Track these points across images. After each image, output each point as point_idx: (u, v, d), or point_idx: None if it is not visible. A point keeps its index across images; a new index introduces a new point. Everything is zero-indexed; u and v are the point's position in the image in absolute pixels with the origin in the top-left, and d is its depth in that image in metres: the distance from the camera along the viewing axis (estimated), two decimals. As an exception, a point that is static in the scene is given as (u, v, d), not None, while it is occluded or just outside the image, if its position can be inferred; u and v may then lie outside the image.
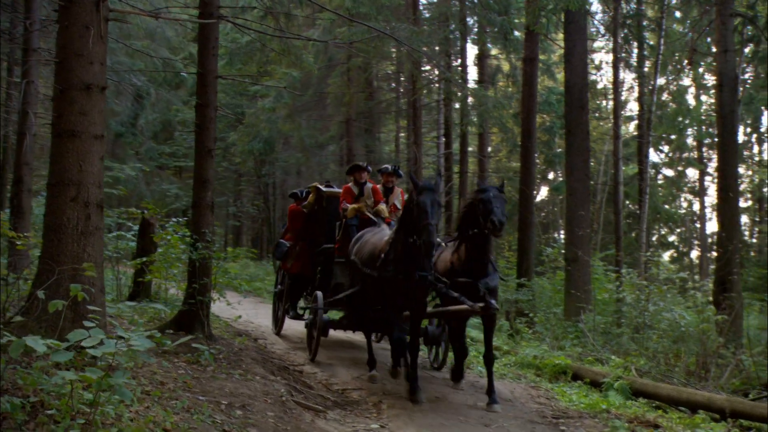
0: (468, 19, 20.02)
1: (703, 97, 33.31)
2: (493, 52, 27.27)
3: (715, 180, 35.12)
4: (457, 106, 24.99)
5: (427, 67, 24.60)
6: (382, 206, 10.28)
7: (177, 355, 7.43)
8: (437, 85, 23.99)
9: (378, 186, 10.64)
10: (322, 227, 11.45)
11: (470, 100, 17.87)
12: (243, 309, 13.11)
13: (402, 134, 35.48)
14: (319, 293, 10.27)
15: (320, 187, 11.75)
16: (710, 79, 32.38)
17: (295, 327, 12.99)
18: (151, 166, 29.65)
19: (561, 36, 25.41)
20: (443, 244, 8.84)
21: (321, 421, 6.73)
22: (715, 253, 32.60)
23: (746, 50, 24.22)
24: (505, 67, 31.51)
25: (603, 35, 27.13)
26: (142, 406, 5.16)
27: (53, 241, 6.09)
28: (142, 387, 5.56)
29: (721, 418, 8.38)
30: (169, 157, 32.76)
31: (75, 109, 6.19)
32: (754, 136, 34.63)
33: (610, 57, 30.69)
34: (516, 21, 12.74)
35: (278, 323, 12.80)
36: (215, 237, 9.63)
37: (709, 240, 34.61)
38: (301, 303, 12.40)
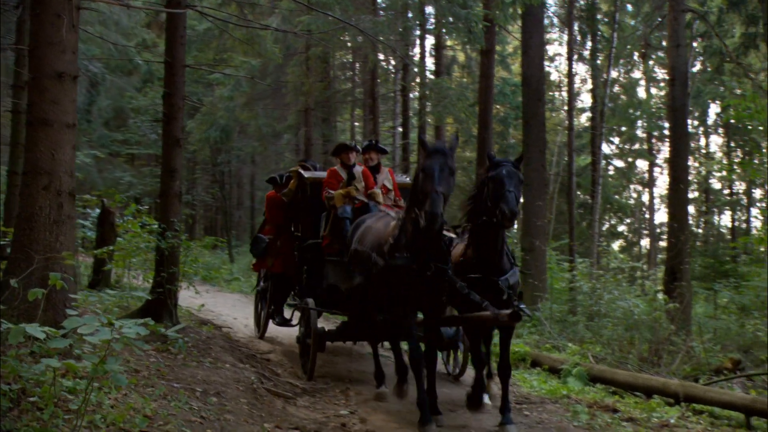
0: (426, 9, 20.18)
1: (653, 90, 34.00)
2: (449, 42, 27.46)
3: (664, 171, 36.07)
4: (413, 96, 25.23)
5: (383, 57, 24.66)
6: (377, 190, 8.83)
7: (147, 344, 7.46)
8: (395, 75, 24.14)
9: (369, 171, 9.10)
10: (307, 219, 9.71)
11: (429, 91, 18.01)
12: (203, 299, 13.14)
13: (357, 123, 35.59)
14: (311, 300, 8.80)
15: (302, 171, 10.01)
16: (660, 72, 33.12)
17: (285, 330, 11.52)
18: (103, 153, 29.28)
19: (514, 27, 25.85)
20: (455, 234, 7.49)
21: (292, 408, 6.85)
22: (663, 243, 33.41)
23: (695, 44, 24.81)
24: (461, 57, 31.80)
25: (558, 28, 27.53)
26: (120, 394, 5.22)
27: (25, 229, 6.09)
28: (99, 375, 5.60)
29: (675, 402, 8.71)
30: (122, 144, 32.37)
31: (47, 98, 6.17)
32: (701, 128, 35.52)
33: (563, 49, 31.26)
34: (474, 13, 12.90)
35: (261, 326, 11.43)
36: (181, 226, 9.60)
37: (658, 230, 35.38)
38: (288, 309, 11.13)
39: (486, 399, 7.36)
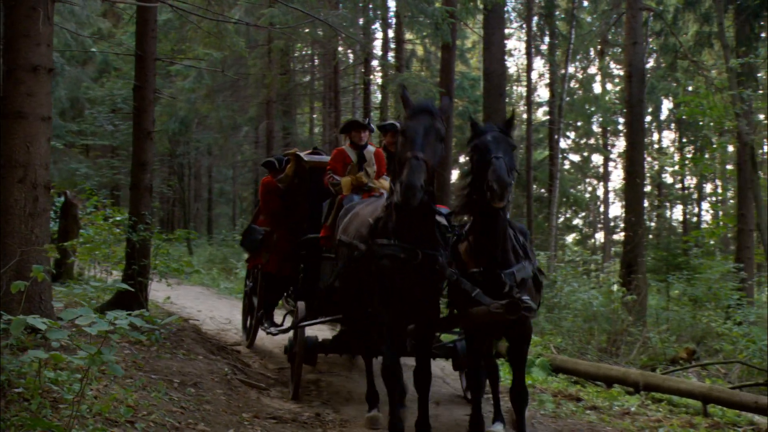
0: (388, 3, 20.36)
1: (608, 86, 34.58)
2: (408, 36, 27.62)
3: (618, 165, 36.77)
4: (374, 88, 25.37)
5: (343, 50, 24.74)
6: (384, 181, 7.55)
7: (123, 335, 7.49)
8: (355, 68, 24.23)
9: (381, 150, 7.96)
10: (305, 209, 8.48)
11: (397, 86, 18.16)
12: (166, 291, 13.10)
13: (315, 116, 35.63)
14: (301, 304, 7.49)
15: (300, 154, 8.79)
16: (615, 68, 33.73)
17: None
18: (59, 144, 28.88)
19: (474, 23, 26.13)
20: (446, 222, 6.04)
21: (266, 399, 6.95)
22: (617, 236, 34.10)
23: (650, 40, 25.34)
24: (420, 51, 32.00)
25: (517, 23, 27.87)
26: (101, 385, 5.28)
27: (0, 222, 6.09)
28: (97, 366, 5.66)
29: (635, 391, 8.99)
30: (77, 135, 31.96)
31: (22, 90, 6.18)
32: (654, 124, 36.22)
33: (521, 44, 31.70)
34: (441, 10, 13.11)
35: (250, 333, 9.82)
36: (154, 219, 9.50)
37: (612, 223, 36.06)
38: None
39: (497, 428, 6.29)
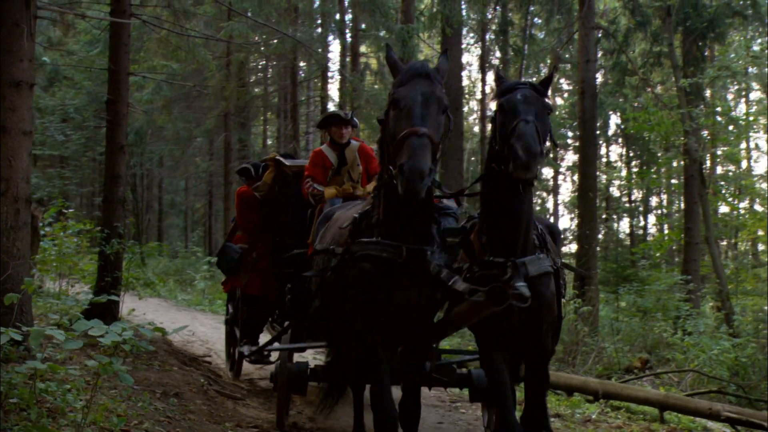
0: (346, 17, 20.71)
1: (558, 101, 35.35)
2: (363, 49, 27.93)
3: (567, 179, 37.53)
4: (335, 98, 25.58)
5: (303, 64, 24.95)
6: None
7: (94, 347, 7.55)
8: (309, 82, 24.46)
9: (371, 148, 6.91)
10: (288, 221, 7.49)
11: (364, 101, 18.48)
12: (131, 303, 13.10)
13: (269, 128, 35.68)
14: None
15: (281, 159, 7.69)
16: (565, 84, 34.52)
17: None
18: (8, 153, 28.45)
19: (427, 36, 26.57)
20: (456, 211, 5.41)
21: (242, 409, 7.09)
22: (566, 249, 34.71)
23: (599, 56, 26.03)
24: (373, 64, 32.36)
25: (471, 38, 28.35)
26: (87, 395, 5.38)
27: (-18, 235, 6.16)
28: (83, 377, 5.76)
29: (594, 399, 9.31)
30: (26, 144, 31.50)
31: (5, 105, 6.26)
32: (602, 138, 37.08)
33: (472, 57, 32.28)
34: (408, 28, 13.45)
35: (234, 363, 8.91)
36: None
37: (562, 236, 36.74)
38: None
39: None
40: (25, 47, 6.39)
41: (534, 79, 30.54)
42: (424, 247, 4.40)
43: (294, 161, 7.72)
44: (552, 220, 38.29)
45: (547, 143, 4.33)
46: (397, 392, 4.84)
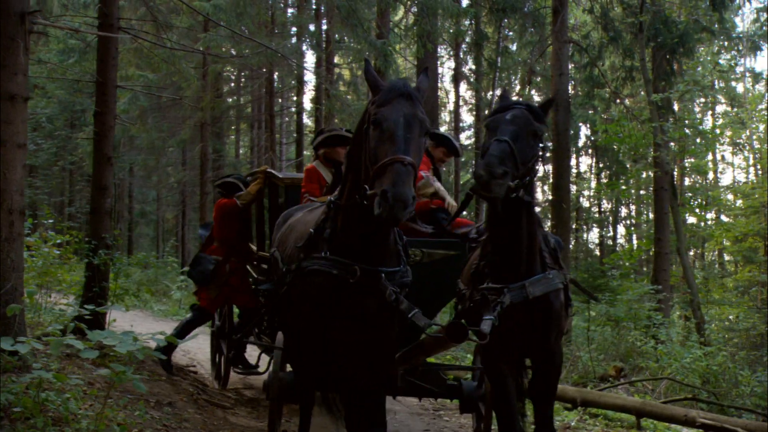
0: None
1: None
2: (337, 60, 28.15)
3: (539, 189, 37.95)
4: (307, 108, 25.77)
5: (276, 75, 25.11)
6: None
7: (83, 358, 7.61)
8: (292, 92, 24.63)
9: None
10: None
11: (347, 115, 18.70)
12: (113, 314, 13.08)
13: (243, 139, 35.73)
14: (280, 335, 6.22)
15: (273, 171, 7.85)
16: (535, 95, 35.02)
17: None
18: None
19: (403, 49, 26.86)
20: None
21: (232, 417, 7.19)
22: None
23: (570, 68, 26.52)
24: (346, 75, 32.61)
25: (444, 50, 28.65)
26: (86, 404, 5.49)
27: (-24, 246, 6.22)
28: (78, 386, 5.85)
29: (572, 406, 9.53)
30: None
31: (0, 118, 6.34)
32: (572, 149, 37.62)
33: (444, 69, 32.60)
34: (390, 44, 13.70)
35: (220, 374, 8.94)
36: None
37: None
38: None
39: None
40: (20, 61, 6.48)
41: (510, 90, 31.00)
42: (381, 268, 4.32)
43: (287, 174, 7.86)
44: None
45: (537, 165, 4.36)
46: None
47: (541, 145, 4.36)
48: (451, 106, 34.18)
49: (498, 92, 26.48)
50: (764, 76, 28.66)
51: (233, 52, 17.91)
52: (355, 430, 4.59)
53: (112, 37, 8.59)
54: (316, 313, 4.46)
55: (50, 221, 12.03)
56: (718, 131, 27.18)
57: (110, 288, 8.69)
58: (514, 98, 4.51)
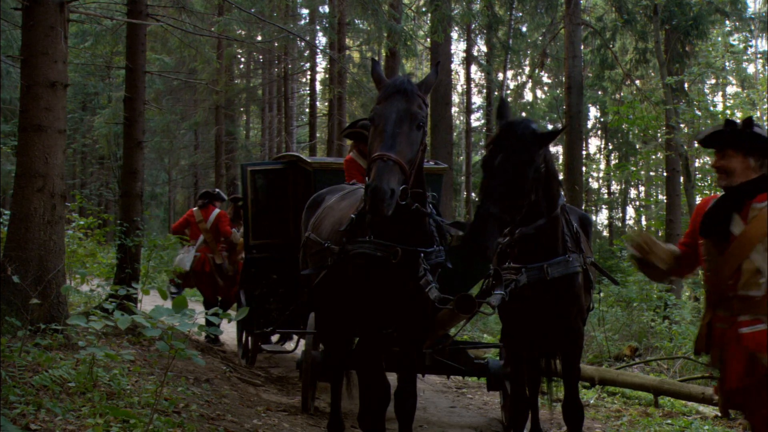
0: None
1: (541, 94, 35.91)
2: (348, 42, 28.27)
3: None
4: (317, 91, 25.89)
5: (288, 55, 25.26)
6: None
7: (118, 337, 7.85)
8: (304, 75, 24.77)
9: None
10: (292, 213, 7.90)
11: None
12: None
13: (253, 121, 35.90)
14: (312, 316, 6.74)
15: (302, 156, 8.13)
16: (545, 77, 35.08)
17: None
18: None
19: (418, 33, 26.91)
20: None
21: (264, 394, 7.43)
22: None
23: (582, 50, 26.61)
24: (356, 57, 32.70)
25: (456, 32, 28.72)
26: (131, 380, 5.72)
27: (21, 229, 6.43)
28: (123, 364, 6.08)
29: (591, 385, 9.74)
30: (7, 136, 31.44)
31: (41, 105, 6.54)
32: (582, 130, 37.72)
33: (457, 50, 32.67)
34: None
35: (247, 352, 9.23)
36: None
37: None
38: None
39: None
40: (60, 49, 6.68)
41: (520, 71, 30.99)
42: (419, 248, 4.48)
43: (316, 159, 8.17)
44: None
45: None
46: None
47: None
48: (459, 89, 34.22)
49: (510, 74, 26.69)
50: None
51: (244, 36, 18.01)
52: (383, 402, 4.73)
53: (141, 24, 8.78)
54: (360, 293, 4.65)
55: (77, 204, 12.21)
56: (728, 113, 27.17)
57: (142, 269, 8.91)
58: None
